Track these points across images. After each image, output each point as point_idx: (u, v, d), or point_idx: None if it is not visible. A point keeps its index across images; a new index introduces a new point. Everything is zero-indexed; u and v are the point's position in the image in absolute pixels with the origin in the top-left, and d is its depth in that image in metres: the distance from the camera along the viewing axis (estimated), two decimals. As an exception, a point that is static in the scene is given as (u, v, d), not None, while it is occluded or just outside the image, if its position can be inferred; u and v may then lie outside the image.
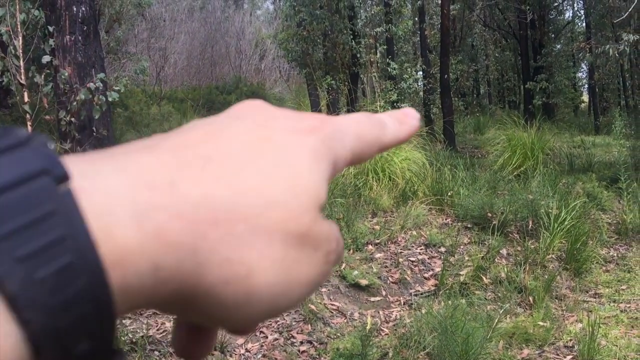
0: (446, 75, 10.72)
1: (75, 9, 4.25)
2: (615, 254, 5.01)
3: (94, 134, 4.26)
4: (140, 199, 0.21)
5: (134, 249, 0.20)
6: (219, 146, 0.24)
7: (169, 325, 3.25)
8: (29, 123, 4.21)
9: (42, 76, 4.11)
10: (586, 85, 21.15)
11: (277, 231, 0.23)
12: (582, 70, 21.54)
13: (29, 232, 0.19)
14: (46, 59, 4.11)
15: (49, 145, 0.21)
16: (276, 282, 0.23)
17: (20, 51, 4.05)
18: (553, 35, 17.37)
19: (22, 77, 4.12)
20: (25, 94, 4.16)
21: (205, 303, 0.23)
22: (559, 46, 17.82)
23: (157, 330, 3.21)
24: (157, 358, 2.97)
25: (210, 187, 0.22)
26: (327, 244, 0.26)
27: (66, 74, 4.12)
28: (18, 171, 0.19)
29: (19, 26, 4.05)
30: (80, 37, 4.25)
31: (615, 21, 11.82)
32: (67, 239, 0.19)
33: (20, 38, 4.06)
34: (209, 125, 0.26)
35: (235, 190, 0.23)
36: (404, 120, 0.32)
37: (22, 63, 4.07)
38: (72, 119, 4.14)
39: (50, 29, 4.16)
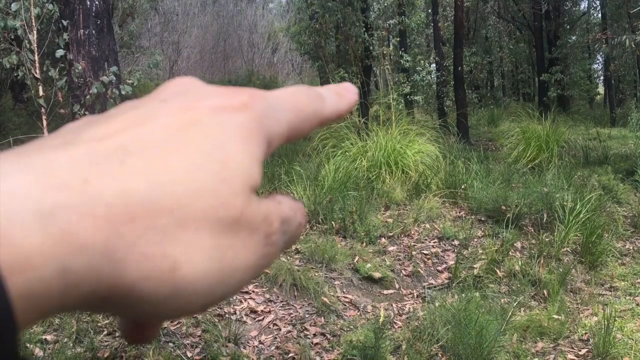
0: (460, 68, 10.65)
1: (89, 3, 4.27)
2: (631, 247, 4.96)
3: (108, 127, 4.29)
4: (46, 199, 0.20)
5: (37, 252, 0.19)
6: (142, 135, 0.23)
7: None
8: (44, 117, 4.24)
9: (57, 70, 4.13)
10: (602, 77, 20.93)
11: (206, 219, 0.22)
12: (598, 61, 21.28)
13: None
14: (60, 53, 4.13)
15: None
16: (208, 272, 0.23)
17: (35, 45, 4.07)
18: (568, 27, 17.17)
19: (37, 71, 4.15)
20: (40, 88, 4.19)
21: (129, 301, 0.22)
22: (574, 37, 17.60)
23: (171, 322, 3.23)
24: (172, 349, 2.99)
25: (128, 182, 0.21)
26: (266, 225, 0.25)
27: (80, 67, 4.14)
28: None
29: (33, 20, 4.07)
30: (94, 31, 4.27)
31: (631, 12, 11.65)
32: None
33: (35, 32, 4.08)
34: (133, 111, 0.24)
35: (157, 183, 0.22)
36: (343, 93, 0.31)
37: (36, 57, 4.10)
38: (87, 113, 4.17)
39: (64, 23, 4.19)
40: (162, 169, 0.22)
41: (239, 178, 0.23)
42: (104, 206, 0.21)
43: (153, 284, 0.22)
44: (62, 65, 4.22)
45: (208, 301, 0.23)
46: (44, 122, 4.23)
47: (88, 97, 4.10)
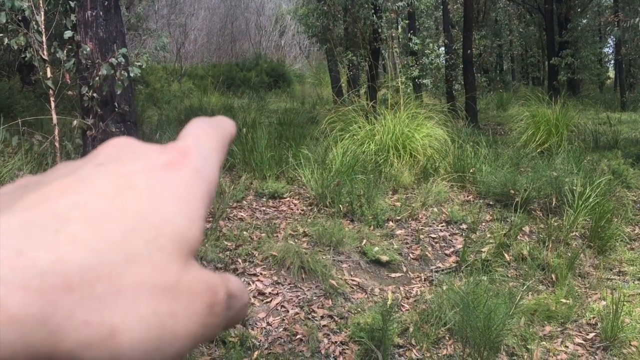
0: (469, 51, 10.55)
1: (96, -17, 4.24)
2: (640, 232, 4.94)
3: (116, 109, 4.28)
4: None
5: None
6: (77, 202, 0.23)
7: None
8: (52, 99, 4.24)
9: (64, 52, 4.12)
10: (612, 61, 20.69)
11: (142, 285, 0.22)
12: (609, 45, 21.05)
13: None
14: (68, 34, 4.11)
15: None
16: (145, 339, 0.22)
17: (43, 27, 4.06)
18: (579, 9, 16.96)
19: (45, 53, 4.14)
20: (48, 70, 4.18)
21: None
22: (585, 20, 17.39)
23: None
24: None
25: (64, 251, 0.21)
26: (210, 295, 0.24)
27: (88, 49, 4.13)
28: None
29: (40, 1, 4.05)
30: (101, 12, 4.24)
31: (644, -6, 11.47)
32: None
33: (42, 13, 4.07)
34: (69, 176, 0.24)
35: (93, 250, 0.22)
36: (222, 121, 0.32)
37: (44, 39, 4.09)
38: (95, 95, 4.16)
39: (72, 4, 4.16)
40: (98, 236, 0.22)
41: (175, 243, 0.23)
42: (39, 277, 0.21)
43: (92, 351, 0.21)
44: (70, 46, 4.21)
45: None
46: (52, 104, 4.23)
47: (96, 78, 4.09)
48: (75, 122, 4.26)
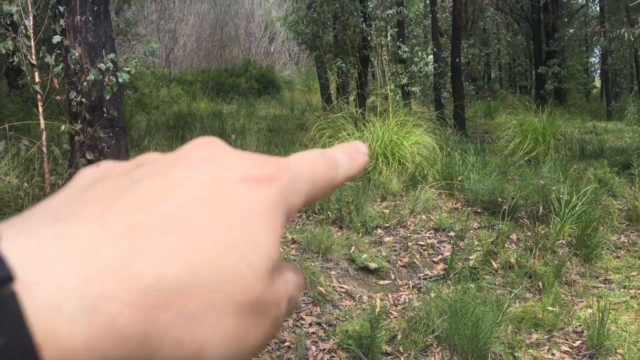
0: (457, 59, 10.63)
1: (85, -12, 4.23)
2: (626, 240, 4.98)
3: (105, 114, 4.27)
4: (90, 289, 0.20)
5: (80, 348, 0.20)
6: (174, 209, 0.23)
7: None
8: (40, 104, 4.21)
9: (53, 56, 4.10)
10: (599, 70, 20.94)
11: (229, 304, 0.23)
12: (595, 55, 21.30)
13: None
14: (57, 39, 4.10)
15: None
16: (225, 355, 0.23)
17: (31, 31, 4.04)
18: (566, 19, 17.16)
19: (33, 57, 4.12)
20: (36, 74, 4.16)
21: None
22: (572, 30, 17.59)
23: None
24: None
25: (165, 266, 0.22)
26: (276, 308, 0.25)
27: (77, 54, 4.11)
28: None
29: (29, 6, 4.04)
30: (90, 18, 4.23)
31: (630, 4, 11.64)
32: (8, 348, 0.19)
33: (31, 18, 4.05)
34: (162, 178, 0.24)
35: (189, 266, 0.22)
36: (356, 156, 0.32)
37: (32, 43, 4.07)
38: (83, 100, 4.14)
39: (61, 9, 4.15)
40: (194, 250, 0.22)
41: (262, 261, 0.24)
42: (143, 294, 0.21)
43: None
44: (59, 51, 4.19)
45: None
46: (40, 109, 4.20)
47: (85, 84, 4.08)
48: (63, 127, 4.24)
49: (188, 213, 0.23)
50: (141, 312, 0.21)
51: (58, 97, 4.29)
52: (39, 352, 0.19)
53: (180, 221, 0.23)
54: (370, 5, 9.90)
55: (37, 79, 4.14)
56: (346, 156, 0.31)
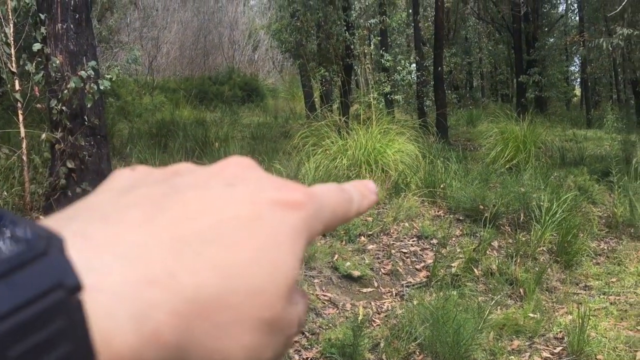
0: (440, 68, 10.71)
1: (67, -4, 4.20)
2: (605, 247, 5.05)
3: (86, 122, 4.23)
4: (141, 297, 0.21)
5: (129, 355, 0.21)
6: (214, 223, 0.24)
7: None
8: (20, 112, 4.17)
9: (34, 64, 4.07)
10: (578, 79, 21.24)
11: (253, 319, 0.24)
12: (575, 64, 21.60)
13: (40, 351, 0.19)
14: (37, 46, 4.07)
15: (63, 248, 0.21)
16: None
17: (12, 39, 4.01)
18: (546, 29, 17.40)
19: (13, 65, 4.08)
20: (17, 82, 4.13)
21: None
22: (552, 40, 17.83)
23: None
24: None
25: (204, 277, 0.23)
26: (289, 329, 0.26)
27: (57, 62, 4.08)
28: (34, 289, 0.20)
29: (10, 13, 4.01)
30: (72, 25, 4.21)
31: (608, 15, 11.84)
32: (72, 355, 0.20)
33: (11, 25, 4.02)
34: (202, 191, 0.25)
35: (225, 279, 0.23)
36: (367, 195, 0.33)
37: (13, 51, 4.04)
38: (64, 108, 4.11)
39: (42, 16, 4.12)
40: (230, 263, 0.23)
41: (286, 281, 0.25)
42: (185, 303, 0.22)
43: None
44: (39, 59, 4.16)
45: None
46: (20, 117, 4.16)
47: (65, 91, 4.05)
48: (43, 136, 4.20)
49: (227, 229, 0.24)
50: (183, 321, 0.22)
51: (38, 105, 4.25)
52: (97, 359, 0.20)
53: (219, 235, 0.24)
54: (353, 14, 9.96)
55: (17, 87, 4.10)
56: (359, 193, 0.33)
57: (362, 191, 0.33)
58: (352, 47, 9.76)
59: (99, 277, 0.21)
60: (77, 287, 0.20)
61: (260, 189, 0.26)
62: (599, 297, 4.13)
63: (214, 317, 0.23)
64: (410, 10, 14.14)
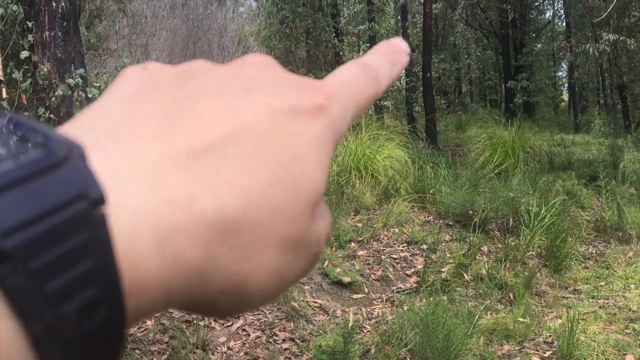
0: (428, 74, 10.77)
1: (54, 4, 4.19)
2: (594, 251, 5.08)
3: (74, 130, 4.21)
4: (163, 219, 0.20)
5: (153, 277, 0.20)
6: (231, 135, 0.23)
7: (150, 323, 3.23)
8: (7, 119, 4.14)
9: (21, 72, 4.05)
10: (566, 84, 21.41)
11: (276, 237, 0.23)
12: (562, 69, 21.80)
13: (62, 265, 0.18)
14: (25, 54, 4.05)
15: (85, 156, 0.20)
16: (268, 287, 0.23)
17: (-2, 46, 3.98)
18: (534, 35, 17.53)
19: (1, 73, 4.06)
20: (4, 90, 4.10)
21: (201, 309, 0.23)
22: (539, 45, 17.99)
23: (138, 328, 3.18)
24: (138, 357, 2.95)
25: (224, 198, 0.21)
26: (316, 246, 0.25)
27: (45, 69, 4.06)
28: (55, 198, 0.18)
29: (-4, 21, 3.99)
30: (59, 33, 4.19)
31: (594, 21, 11.96)
32: (96, 271, 0.18)
33: (-2, 33, 3.99)
34: (218, 98, 0.24)
35: (245, 197, 0.22)
36: (396, 59, 0.30)
37: (0, 58, 4.01)
38: (52, 116, 4.09)
39: (29, 24, 4.10)
40: (250, 182, 0.22)
41: (310, 196, 0.23)
42: (206, 227, 0.21)
43: (226, 297, 0.23)
44: (27, 67, 4.14)
45: (256, 307, 0.25)
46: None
47: (53, 99, 4.03)
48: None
49: (245, 142, 0.23)
50: (204, 245, 0.21)
51: (26, 113, 4.22)
52: (121, 281, 0.19)
53: (237, 150, 0.22)
54: (342, 21, 10.01)
55: (4, 95, 4.07)
56: (386, 61, 0.30)
57: (390, 56, 0.30)
58: (341, 53, 9.79)
59: (121, 193, 0.20)
60: (100, 200, 0.19)
61: (279, 95, 0.24)
62: (587, 300, 4.15)
63: (234, 239, 0.22)
64: (399, 17, 14.22)
